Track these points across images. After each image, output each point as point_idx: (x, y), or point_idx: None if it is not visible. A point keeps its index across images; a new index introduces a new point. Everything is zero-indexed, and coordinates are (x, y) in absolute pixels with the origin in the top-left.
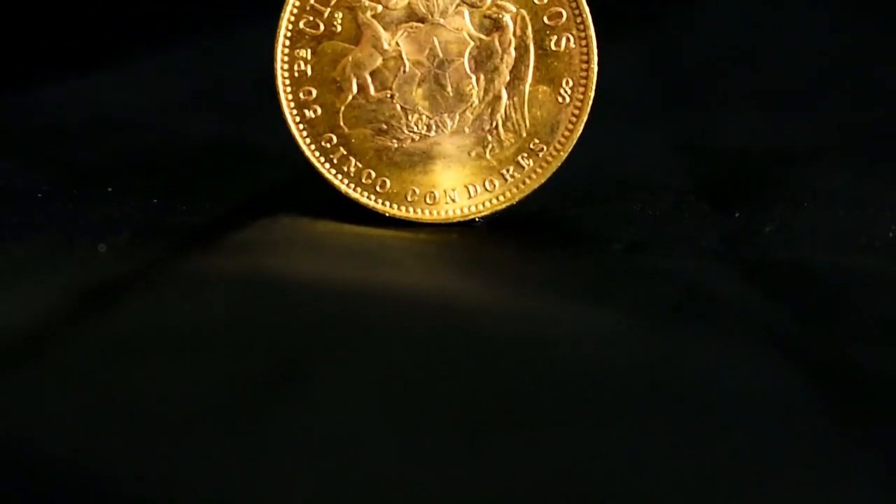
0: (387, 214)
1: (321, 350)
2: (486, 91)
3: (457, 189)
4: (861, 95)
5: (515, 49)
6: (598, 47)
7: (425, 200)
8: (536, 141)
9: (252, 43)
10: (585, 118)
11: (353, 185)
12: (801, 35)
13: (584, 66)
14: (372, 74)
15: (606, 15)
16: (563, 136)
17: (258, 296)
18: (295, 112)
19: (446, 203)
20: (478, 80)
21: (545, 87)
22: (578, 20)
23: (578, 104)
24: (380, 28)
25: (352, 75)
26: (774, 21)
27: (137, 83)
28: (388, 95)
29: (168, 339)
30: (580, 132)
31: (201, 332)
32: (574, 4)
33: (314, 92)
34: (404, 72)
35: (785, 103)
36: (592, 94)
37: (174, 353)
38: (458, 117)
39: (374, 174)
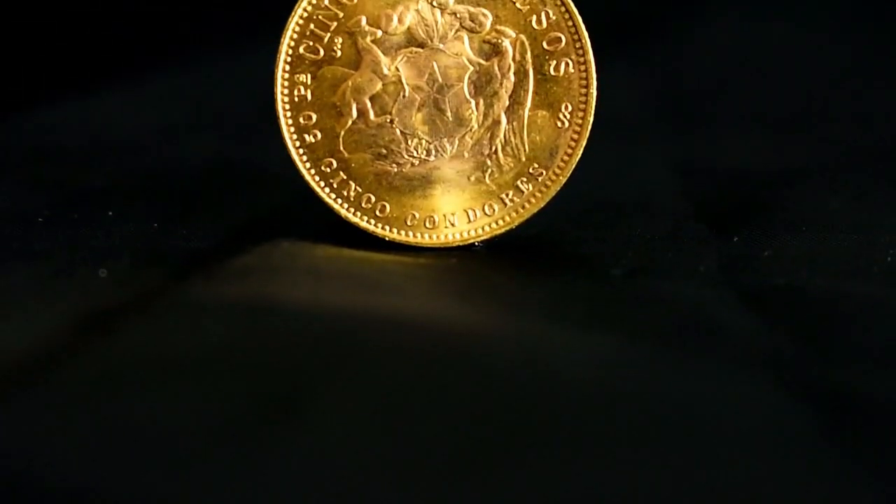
0: (386, 239)
1: (321, 376)
2: (485, 116)
3: (456, 213)
4: (860, 118)
5: (515, 74)
6: (597, 71)
7: (425, 225)
8: (536, 165)
9: (252, 67)
10: (584, 142)
11: (352, 210)
12: (799, 57)
13: (584, 90)
14: (372, 99)
15: (605, 38)
16: (562, 160)
17: (258, 322)
18: (295, 137)
19: (446, 227)
20: (477, 104)
21: (544, 112)
22: (577, 45)
23: (577, 128)
24: (379, 53)
25: (351, 100)
26: (773, 43)
27: (137, 107)
28: (388, 120)
29: (168, 366)
30: (579, 156)
31: (202, 359)
32: (573, 29)
33: (314, 117)
34: (404, 96)
35: (783, 125)
36: (591, 119)
37: (175, 379)
38: (457, 142)
39: (373, 198)
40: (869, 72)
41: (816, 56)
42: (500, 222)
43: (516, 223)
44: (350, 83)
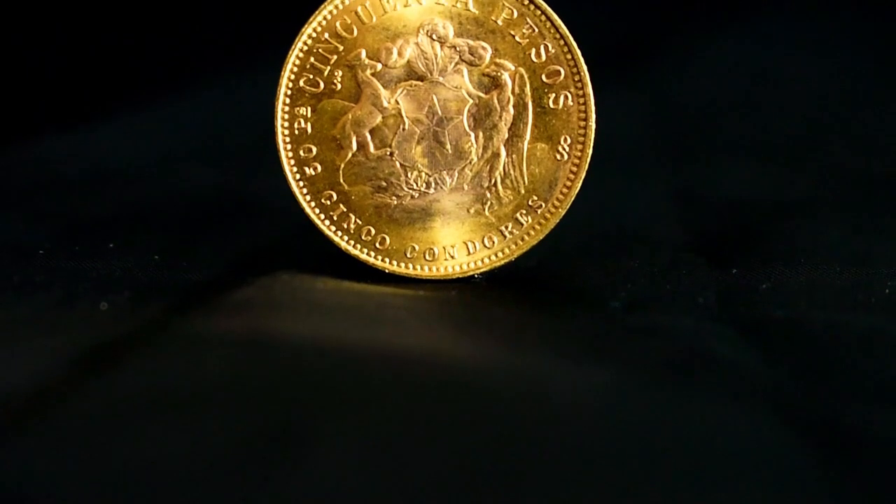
0: (386, 271)
1: (321, 410)
2: (484, 148)
3: (456, 246)
4: (859, 149)
5: (514, 107)
6: (596, 104)
7: (424, 257)
8: (535, 198)
9: (253, 99)
10: (584, 175)
11: (352, 242)
12: (798, 88)
13: (582, 123)
14: (371, 132)
15: (604, 71)
16: (561, 192)
17: (258, 356)
18: (295, 169)
19: (445, 260)
20: (476, 137)
21: (543, 145)
22: (576, 78)
23: (577, 161)
24: (379, 86)
25: (351, 133)
26: (771, 73)
27: (138, 139)
28: (388, 153)
29: (168, 400)
30: (578, 188)
31: (201, 393)
32: (572, 62)
33: (314, 149)
34: (404, 129)
35: (782, 156)
36: (590, 152)
37: (174, 413)
38: (457, 174)
39: (373, 231)
40: (868, 102)
41: (815, 86)
42: (500, 254)
43: (516, 255)
44: (350, 116)
